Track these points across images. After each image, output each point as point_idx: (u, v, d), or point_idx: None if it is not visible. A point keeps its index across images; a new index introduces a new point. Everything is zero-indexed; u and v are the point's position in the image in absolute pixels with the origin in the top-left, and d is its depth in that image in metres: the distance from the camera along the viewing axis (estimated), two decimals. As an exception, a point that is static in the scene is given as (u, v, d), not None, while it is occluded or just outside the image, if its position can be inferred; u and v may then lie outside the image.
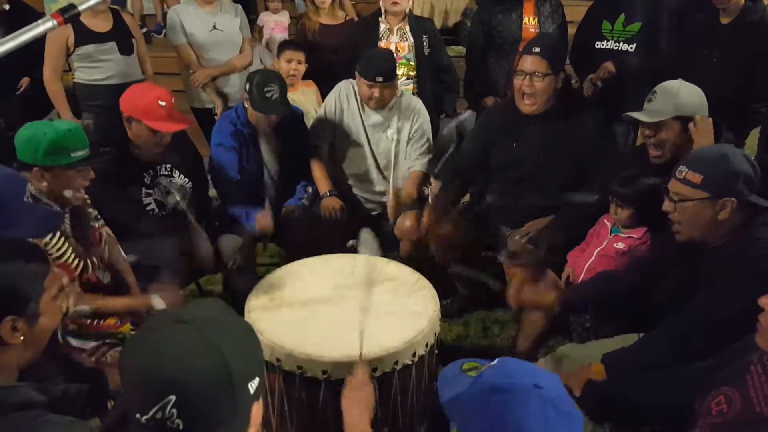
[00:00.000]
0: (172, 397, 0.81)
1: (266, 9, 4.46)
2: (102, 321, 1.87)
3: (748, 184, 1.58)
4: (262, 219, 2.51)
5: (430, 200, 2.65)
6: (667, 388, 1.47)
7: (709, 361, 1.40)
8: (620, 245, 2.16)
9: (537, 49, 2.36)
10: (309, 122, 2.98)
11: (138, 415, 0.82)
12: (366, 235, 1.84)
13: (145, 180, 2.39)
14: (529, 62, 2.36)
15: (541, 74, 2.34)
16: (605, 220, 2.25)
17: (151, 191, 2.41)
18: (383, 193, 2.88)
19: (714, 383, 1.28)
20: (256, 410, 0.92)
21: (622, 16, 3.06)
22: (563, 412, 0.90)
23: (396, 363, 1.71)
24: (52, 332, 1.21)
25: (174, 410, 0.81)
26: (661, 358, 1.58)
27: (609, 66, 2.97)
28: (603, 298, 1.93)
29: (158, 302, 1.89)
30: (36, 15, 3.67)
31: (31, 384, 1.10)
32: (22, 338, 1.11)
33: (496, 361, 0.99)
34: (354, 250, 2.90)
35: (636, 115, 2.06)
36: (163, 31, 4.63)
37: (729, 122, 2.16)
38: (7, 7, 3.29)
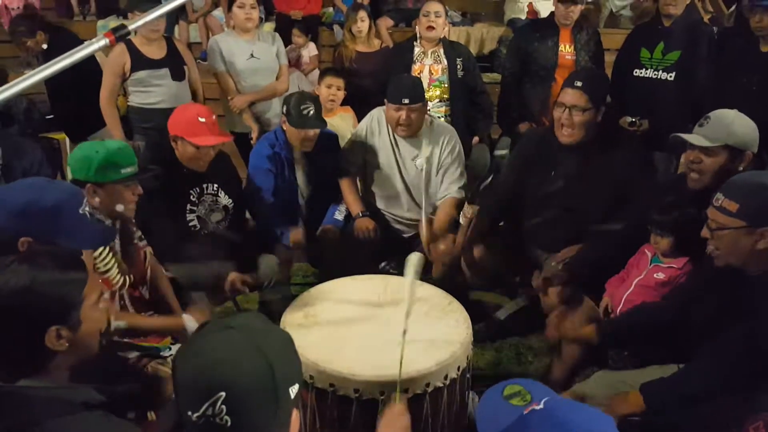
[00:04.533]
0: (222, 394, 0.87)
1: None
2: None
3: None
4: (295, 234, 2.62)
5: (462, 223, 2.65)
6: (705, 412, 1.42)
7: (751, 385, 1.35)
8: (660, 275, 2.11)
9: (579, 84, 2.35)
10: (345, 147, 3.05)
11: (190, 413, 0.88)
12: (414, 258, 1.83)
13: (192, 197, 2.48)
14: (570, 95, 2.35)
15: (581, 108, 2.33)
16: (645, 250, 2.21)
17: (195, 208, 2.50)
18: (415, 218, 2.90)
19: (753, 409, 1.24)
20: (295, 417, 0.96)
21: (662, 44, 3.05)
22: None
23: (428, 385, 1.70)
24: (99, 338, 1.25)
25: (224, 407, 0.87)
26: (702, 387, 1.53)
27: None
28: (641, 332, 1.89)
29: (190, 323, 1.93)
30: (75, 38, 3.66)
31: (90, 385, 1.15)
32: (67, 345, 1.16)
33: (543, 404, 0.94)
34: (386, 271, 2.92)
35: (686, 136, 2.02)
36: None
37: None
38: (45, 46, 3.46)
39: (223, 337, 0.93)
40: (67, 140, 3.84)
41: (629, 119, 3.04)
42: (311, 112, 2.63)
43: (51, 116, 3.85)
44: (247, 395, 0.88)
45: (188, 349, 0.95)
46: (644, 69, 3.10)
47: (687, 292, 1.88)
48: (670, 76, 3.04)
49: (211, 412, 0.87)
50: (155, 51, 3.09)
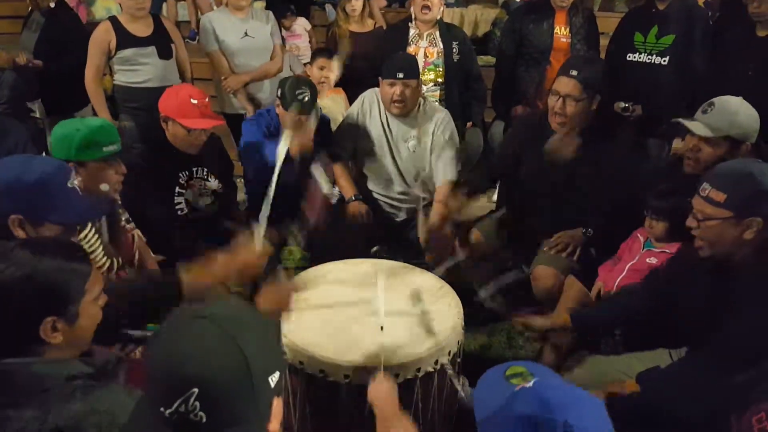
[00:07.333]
0: (195, 390, 0.83)
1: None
2: None
3: None
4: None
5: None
6: (701, 400, 1.42)
7: (750, 372, 1.35)
8: (653, 260, 2.11)
9: (574, 73, 2.31)
10: (336, 129, 3.02)
11: (162, 409, 0.84)
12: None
13: (180, 180, 2.43)
14: (564, 84, 2.32)
15: (575, 98, 2.30)
16: (638, 234, 2.21)
17: (183, 191, 2.45)
18: (407, 200, 2.88)
19: (754, 399, 1.24)
20: (277, 404, 0.93)
21: (655, 28, 3.01)
22: None
23: (418, 370, 1.70)
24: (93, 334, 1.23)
25: (197, 403, 0.83)
26: (699, 379, 1.53)
27: None
28: (618, 321, 1.89)
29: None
30: (75, 16, 3.81)
31: (77, 358, 1.15)
32: (62, 338, 1.13)
33: (533, 383, 0.95)
34: (378, 256, 2.91)
35: (688, 123, 1.97)
36: (197, 38, 4.73)
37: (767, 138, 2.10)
38: (52, 4, 3.49)
39: (195, 328, 0.87)
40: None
41: (622, 104, 3.01)
42: (306, 97, 2.60)
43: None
44: (222, 390, 0.84)
45: (159, 341, 0.90)
46: (638, 53, 3.06)
47: (664, 279, 1.85)
48: (664, 61, 3.01)
49: (184, 408, 0.82)
50: (141, 29, 3.01)
